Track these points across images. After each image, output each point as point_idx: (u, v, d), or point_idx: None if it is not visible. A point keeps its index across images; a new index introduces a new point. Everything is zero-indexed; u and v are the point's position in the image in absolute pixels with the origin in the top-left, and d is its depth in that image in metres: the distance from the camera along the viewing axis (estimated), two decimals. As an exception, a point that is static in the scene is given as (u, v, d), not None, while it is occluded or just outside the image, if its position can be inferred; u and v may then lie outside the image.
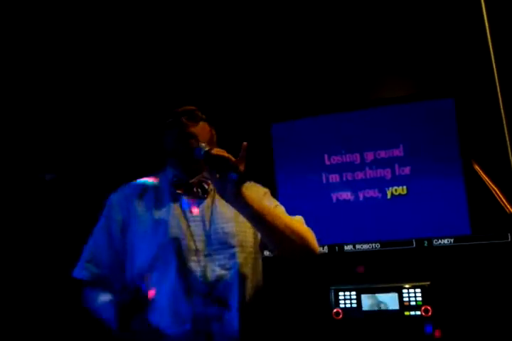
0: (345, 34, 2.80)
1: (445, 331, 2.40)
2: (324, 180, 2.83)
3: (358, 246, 2.74)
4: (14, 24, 2.50)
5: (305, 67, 2.89)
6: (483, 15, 2.07)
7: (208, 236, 1.43)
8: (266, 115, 2.95)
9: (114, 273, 1.46)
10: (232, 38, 2.85)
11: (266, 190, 1.61)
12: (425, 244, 2.63)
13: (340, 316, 2.56)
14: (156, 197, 1.50)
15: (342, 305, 2.58)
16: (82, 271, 1.47)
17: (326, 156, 2.83)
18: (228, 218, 1.45)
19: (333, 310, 2.58)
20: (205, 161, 1.32)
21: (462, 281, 2.48)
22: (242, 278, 1.42)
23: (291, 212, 2.97)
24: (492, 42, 2.12)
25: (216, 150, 1.33)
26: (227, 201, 1.35)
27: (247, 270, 1.44)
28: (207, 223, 1.45)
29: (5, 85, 2.65)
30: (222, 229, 1.44)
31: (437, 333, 2.40)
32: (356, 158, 2.78)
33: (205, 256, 1.41)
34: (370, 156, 2.76)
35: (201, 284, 1.38)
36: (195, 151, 1.36)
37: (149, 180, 1.55)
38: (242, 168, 1.31)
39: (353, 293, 2.58)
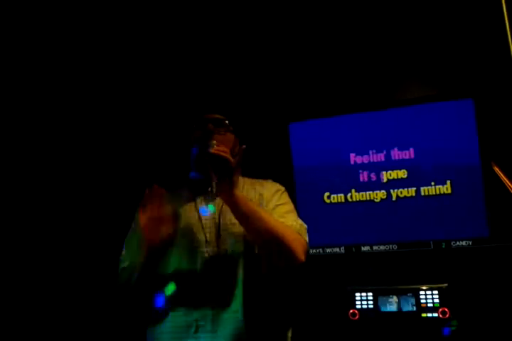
0: (365, 34, 2.79)
1: (462, 333, 2.38)
2: (343, 180, 2.82)
3: (375, 247, 2.73)
4: (14, 24, 2.54)
5: (322, 67, 2.89)
6: (503, 15, 2.05)
7: (217, 228, 1.54)
8: (283, 114, 2.95)
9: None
10: (250, 38, 2.86)
11: (281, 188, 1.68)
12: (443, 246, 2.61)
13: (357, 317, 2.56)
14: (173, 198, 1.60)
15: (358, 306, 2.58)
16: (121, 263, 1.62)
17: (346, 156, 2.83)
18: None
19: (349, 310, 2.58)
20: (208, 158, 1.42)
21: (480, 283, 2.46)
22: (248, 267, 1.51)
23: (309, 213, 2.98)
24: (513, 42, 2.10)
25: (216, 149, 1.41)
26: (221, 197, 1.49)
27: (253, 261, 1.52)
28: (217, 216, 1.56)
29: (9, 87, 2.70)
30: (230, 220, 1.54)
31: (454, 335, 2.38)
32: (374, 158, 2.78)
33: (215, 246, 1.52)
34: (386, 157, 2.75)
35: (210, 273, 1.48)
36: (205, 147, 1.45)
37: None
38: (236, 171, 1.41)
39: (370, 293, 2.57)
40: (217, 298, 1.47)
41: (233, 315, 1.46)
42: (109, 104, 2.95)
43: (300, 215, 2.81)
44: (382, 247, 2.72)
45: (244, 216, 1.45)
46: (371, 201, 2.76)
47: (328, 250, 2.81)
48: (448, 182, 2.63)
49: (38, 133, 2.78)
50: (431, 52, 2.70)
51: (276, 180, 2.88)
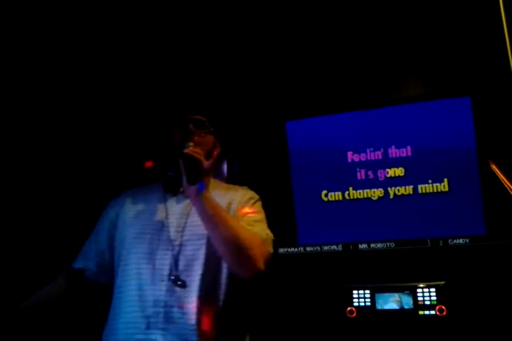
0: (362, 32, 2.79)
1: (459, 330, 2.39)
2: (341, 178, 2.82)
3: (372, 245, 2.73)
4: (14, 24, 2.51)
5: (319, 65, 2.89)
6: (500, 13, 2.05)
7: (183, 227, 1.55)
8: (280, 113, 2.95)
9: (100, 268, 1.66)
10: (246, 36, 2.85)
11: (255, 196, 1.68)
12: (440, 244, 2.61)
13: (354, 314, 2.57)
14: (145, 195, 1.66)
15: (356, 304, 2.58)
16: (75, 262, 1.70)
17: (343, 154, 2.83)
18: None
19: (346, 308, 2.58)
20: (182, 158, 1.44)
21: (477, 281, 2.46)
22: (206, 269, 1.51)
23: (306, 211, 2.98)
24: (509, 39, 2.10)
25: (190, 150, 1.44)
26: (189, 198, 1.51)
27: (213, 263, 1.53)
28: (184, 216, 1.57)
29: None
30: (196, 221, 1.54)
31: (451, 333, 2.39)
32: (372, 156, 2.78)
33: (177, 245, 1.53)
34: (383, 155, 2.76)
35: (169, 272, 1.49)
36: (181, 147, 1.49)
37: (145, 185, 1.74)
38: (208, 173, 1.45)
39: (367, 291, 2.58)
40: (172, 297, 1.48)
41: (186, 315, 1.46)
42: (88, 98, 2.88)
43: (297, 213, 2.86)
44: (379, 245, 2.72)
45: (209, 218, 1.46)
46: (368, 199, 2.76)
47: (326, 248, 2.81)
48: (445, 180, 2.64)
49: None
50: (428, 50, 2.70)
51: (273, 178, 2.90)
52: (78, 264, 1.69)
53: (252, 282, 1.58)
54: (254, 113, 2.96)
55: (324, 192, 2.84)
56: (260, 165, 2.96)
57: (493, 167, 2.15)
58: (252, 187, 2.90)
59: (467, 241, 2.57)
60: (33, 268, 2.46)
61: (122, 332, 1.49)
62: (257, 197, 1.69)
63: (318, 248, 2.82)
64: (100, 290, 1.70)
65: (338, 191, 2.82)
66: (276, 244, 2.81)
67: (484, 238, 2.54)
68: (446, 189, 2.63)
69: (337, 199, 2.82)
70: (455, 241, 2.59)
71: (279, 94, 2.94)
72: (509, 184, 1.99)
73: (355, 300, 2.59)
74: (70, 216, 2.66)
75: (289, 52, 2.90)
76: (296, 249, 2.86)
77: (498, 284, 2.43)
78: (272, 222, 2.83)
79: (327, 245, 2.81)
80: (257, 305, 2.75)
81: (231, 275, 1.56)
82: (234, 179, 2.95)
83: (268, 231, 1.60)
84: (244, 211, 1.60)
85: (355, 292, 2.59)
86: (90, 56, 2.79)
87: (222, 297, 1.53)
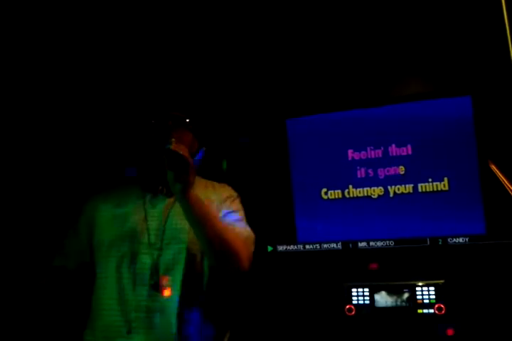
0: (363, 30, 2.78)
1: (458, 329, 2.40)
2: (341, 176, 2.83)
3: (372, 243, 2.74)
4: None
5: (320, 63, 2.88)
6: (502, 12, 2.04)
7: (162, 230, 1.51)
8: (280, 110, 2.95)
9: (80, 267, 1.61)
10: (246, 34, 2.85)
11: (233, 194, 1.65)
12: (440, 243, 2.62)
13: (353, 312, 2.57)
14: (123, 195, 1.61)
15: (355, 302, 2.59)
16: (55, 260, 1.64)
17: (344, 152, 2.83)
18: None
19: (345, 306, 2.59)
20: (166, 155, 1.36)
21: (476, 280, 2.46)
22: (187, 273, 1.49)
23: (306, 208, 2.98)
24: (510, 38, 2.10)
25: (176, 147, 1.36)
26: (176, 196, 1.43)
27: (194, 267, 1.51)
28: (164, 218, 1.53)
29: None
30: (176, 224, 1.52)
31: (450, 332, 2.39)
32: (372, 154, 2.78)
33: (157, 249, 1.49)
34: (384, 153, 2.75)
35: (149, 276, 1.47)
36: (164, 143, 1.41)
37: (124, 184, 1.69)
38: (193, 171, 1.37)
39: (366, 289, 2.58)
40: (154, 302, 1.46)
41: (167, 320, 1.44)
42: (64, 94, 2.82)
43: (297, 211, 2.86)
44: (379, 243, 2.73)
45: (196, 217, 1.41)
46: (368, 197, 2.76)
47: (325, 246, 2.82)
48: (445, 178, 2.64)
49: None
50: (429, 48, 2.70)
51: (273, 176, 2.91)
52: (58, 262, 1.64)
53: (250, 279, 1.57)
54: (255, 110, 2.96)
55: (324, 190, 2.85)
56: (260, 162, 2.96)
57: (493, 167, 2.15)
58: (251, 185, 2.93)
59: (466, 240, 2.57)
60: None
61: (102, 335, 1.47)
62: (235, 194, 1.65)
63: (318, 246, 2.83)
64: (81, 289, 1.67)
65: (337, 189, 2.82)
66: (276, 241, 2.87)
67: (483, 237, 2.54)
68: (446, 188, 2.63)
69: (337, 197, 2.82)
70: (454, 240, 2.59)
71: (280, 92, 2.94)
72: (509, 184, 2.00)
73: (354, 298, 2.59)
74: (47, 213, 2.61)
75: (290, 50, 2.89)
76: (295, 247, 2.86)
77: (497, 283, 2.43)
78: (271, 220, 2.86)
79: (326, 243, 2.82)
80: (254, 302, 2.76)
81: (213, 279, 1.54)
82: (234, 177, 2.96)
83: (249, 229, 1.58)
84: (224, 210, 1.57)
85: (354, 290, 2.60)
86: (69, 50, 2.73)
87: (204, 301, 1.52)
